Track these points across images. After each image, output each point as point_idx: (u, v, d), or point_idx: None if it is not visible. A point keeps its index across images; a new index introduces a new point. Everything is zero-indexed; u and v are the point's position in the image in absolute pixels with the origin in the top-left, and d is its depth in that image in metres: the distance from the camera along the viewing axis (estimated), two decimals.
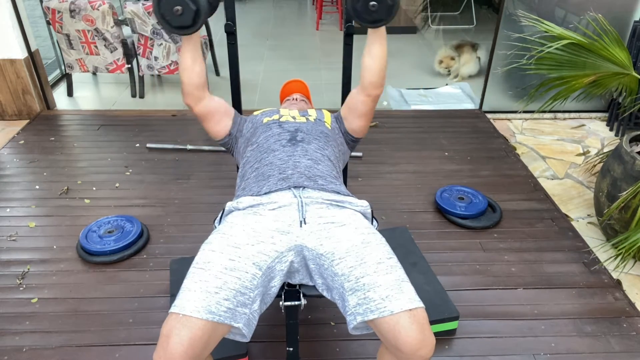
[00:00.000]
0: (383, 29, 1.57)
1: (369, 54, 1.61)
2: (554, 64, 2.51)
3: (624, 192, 2.08)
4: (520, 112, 3.69)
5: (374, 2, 1.43)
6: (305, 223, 1.34)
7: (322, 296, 1.40)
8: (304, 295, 1.44)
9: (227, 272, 1.22)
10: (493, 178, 2.91)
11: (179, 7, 1.36)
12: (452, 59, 4.40)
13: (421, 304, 1.22)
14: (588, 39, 2.41)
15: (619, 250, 1.97)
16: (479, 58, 4.44)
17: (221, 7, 1.80)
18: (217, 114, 1.70)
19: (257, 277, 1.26)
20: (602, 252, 2.33)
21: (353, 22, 1.86)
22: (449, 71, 4.46)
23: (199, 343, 1.14)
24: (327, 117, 1.78)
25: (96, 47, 3.72)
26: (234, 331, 1.25)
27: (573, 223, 2.56)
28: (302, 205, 1.36)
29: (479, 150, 3.20)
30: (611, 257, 2.07)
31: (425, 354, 1.17)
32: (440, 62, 4.47)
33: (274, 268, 1.31)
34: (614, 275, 2.21)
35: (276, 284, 1.33)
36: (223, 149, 3.09)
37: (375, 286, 1.22)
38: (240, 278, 1.23)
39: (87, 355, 1.81)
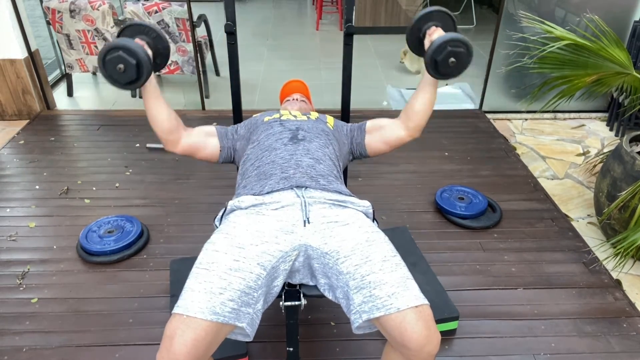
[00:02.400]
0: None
1: (422, 100, 1.65)
2: (556, 63, 2.51)
3: (624, 192, 2.08)
4: (522, 112, 3.69)
5: (454, 60, 1.48)
6: (309, 222, 1.34)
7: (322, 296, 1.40)
8: (304, 295, 1.44)
9: (232, 273, 1.22)
10: (493, 178, 2.91)
11: (120, 65, 1.42)
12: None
13: (426, 301, 1.22)
14: (587, 42, 2.41)
15: (617, 249, 1.97)
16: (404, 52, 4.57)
17: (222, 7, 1.80)
18: (200, 142, 1.69)
19: (262, 277, 1.26)
20: (602, 251, 2.33)
21: (353, 22, 1.86)
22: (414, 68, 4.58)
23: (203, 344, 1.14)
24: (330, 119, 1.78)
25: (96, 47, 3.72)
26: (237, 331, 1.25)
27: (573, 223, 2.56)
28: (305, 205, 1.36)
29: (479, 150, 3.20)
30: (610, 257, 2.07)
31: (431, 350, 1.18)
32: (405, 52, 4.58)
33: (277, 268, 1.31)
34: (614, 275, 2.21)
35: (279, 283, 1.34)
36: None
37: (381, 284, 1.22)
38: (244, 279, 1.23)
39: (87, 355, 1.81)
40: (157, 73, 3.88)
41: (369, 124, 1.77)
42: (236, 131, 1.75)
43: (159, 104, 1.61)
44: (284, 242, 1.31)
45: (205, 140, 1.70)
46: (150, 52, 1.55)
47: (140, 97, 4.08)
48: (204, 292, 1.18)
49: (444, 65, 1.50)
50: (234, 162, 1.78)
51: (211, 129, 1.73)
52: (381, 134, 1.74)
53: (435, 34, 1.58)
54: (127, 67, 1.43)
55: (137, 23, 1.60)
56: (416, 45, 1.70)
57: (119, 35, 1.59)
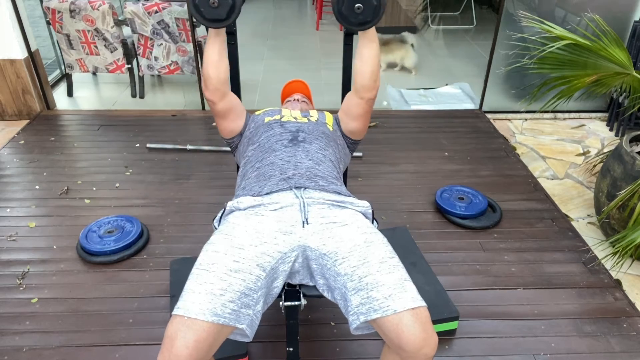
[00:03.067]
0: (372, 31, 1.56)
1: (360, 57, 1.61)
2: (556, 63, 2.51)
3: (623, 191, 2.08)
4: (521, 112, 3.70)
5: (359, 5, 1.41)
6: (307, 223, 1.34)
7: (322, 296, 1.40)
8: (304, 296, 1.44)
9: (232, 274, 1.22)
10: (493, 178, 2.91)
11: (215, 0, 1.37)
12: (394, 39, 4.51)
13: (423, 303, 1.22)
14: (588, 40, 2.41)
15: (616, 248, 1.97)
16: (412, 45, 4.53)
17: None
18: (235, 112, 1.70)
19: (262, 278, 1.26)
20: (600, 250, 2.33)
21: None
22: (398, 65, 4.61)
23: (204, 345, 1.14)
24: (329, 118, 1.78)
25: (96, 47, 3.72)
26: (237, 331, 1.25)
27: (573, 223, 2.56)
28: (304, 206, 1.36)
29: (479, 150, 3.20)
30: (608, 255, 2.07)
31: (428, 352, 1.17)
32: (385, 44, 4.54)
33: (277, 269, 1.31)
34: (614, 275, 2.21)
35: (278, 284, 1.34)
36: (223, 149, 3.12)
37: (379, 285, 1.22)
38: (244, 280, 1.23)
39: (87, 355, 1.81)
40: (156, 72, 3.87)
41: (339, 112, 1.77)
42: (249, 124, 1.76)
43: (224, 51, 1.58)
44: (282, 243, 1.31)
45: (237, 115, 1.71)
46: None
47: (141, 97, 4.09)
48: (205, 293, 1.18)
49: (352, 15, 1.44)
50: (231, 149, 1.79)
51: (243, 109, 1.74)
52: (346, 113, 1.73)
53: None
54: (221, 4, 1.38)
55: None
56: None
57: None
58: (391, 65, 4.64)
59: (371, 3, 1.43)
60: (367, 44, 1.58)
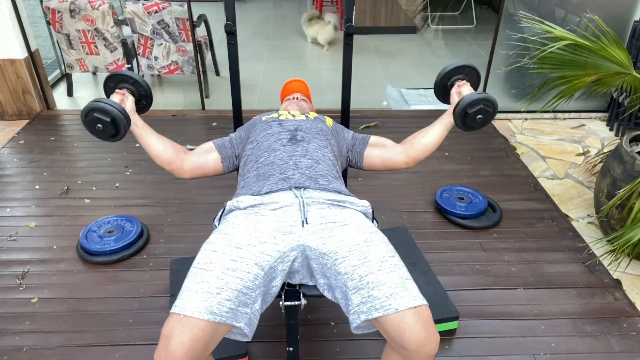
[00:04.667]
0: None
1: (432, 138, 1.70)
2: (556, 63, 2.51)
3: (622, 190, 2.08)
4: (522, 112, 3.70)
5: (481, 117, 1.60)
6: (307, 223, 1.34)
7: (322, 296, 1.40)
8: (304, 295, 1.44)
9: (229, 273, 1.22)
10: (493, 178, 2.91)
11: (99, 125, 1.55)
12: (318, 17, 5.19)
13: (425, 302, 1.22)
14: (587, 40, 2.41)
15: (613, 246, 1.97)
16: (330, 22, 5.06)
17: (222, 7, 1.80)
18: (201, 161, 1.71)
19: (259, 277, 1.26)
20: (598, 248, 2.33)
21: (353, 22, 1.86)
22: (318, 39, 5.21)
23: (200, 343, 1.14)
24: (329, 119, 1.78)
25: (96, 47, 3.72)
26: (235, 331, 1.25)
27: (573, 223, 2.56)
28: (303, 205, 1.36)
29: (479, 150, 3.20)
30: (606, 254, 2.07)
31: (430, 350, 1.17)
32: (311, 19, 5.16)
33: (276, 268, 1.31)
34: (614, 274, 2.21)
35: (277, 283, 1.33)
36: None
37: (380, 284, 1.22)
38: (242, 278, 1.23)
39: (87, 355, 1.81)
40: (156, 72, 3.87)
41: (374, 138, 1.80)
42: (232, 138, 1.75)
43: (151, 140, 1.68)
44: (282, 242, 1.31)
45: (205, 158, 1.72)
46: (131, 100, 1.69)
47: None
48: (201, 292, 1.18)
49: (472, 119, 1.60)
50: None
51: (209, 145, 1.75)
52: (381, 152, 1.76)
53: (464, 88, 1.69)
54: (104, 126, 1.55)
55: (114, 74, 1.73)
56: (441, 90, 1.82)
57: (104, 86, 1.75)
58: (312, 40, 5.34)
59: (487, 120, 1.62)
60: (445, 133, 1.72)
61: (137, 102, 1.74)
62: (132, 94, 1.72)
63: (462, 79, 1.75)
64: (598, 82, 2.47)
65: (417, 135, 1.73)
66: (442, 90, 1.81)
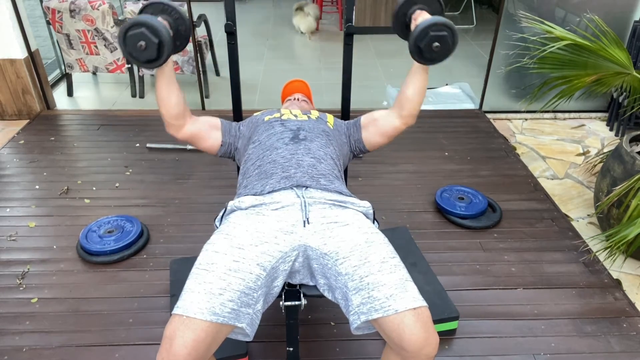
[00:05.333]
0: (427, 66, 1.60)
1: (413, 87, 1.63)
2: (556, 63, 2.51)
3: (618, 187, 2.08)
4: (522, 112, 3.70)
5: (438, 44, 1.45)
6: (308, 223, 1.34)
7: (322, 296, 1.40)
8: (304, 295, 1.44)
9: (231, 274, 1.22)
10: (493, 178, 2.91)
11: (142, 43, 1.39)
12: (301, 9, 5.57)
13: (425, 303, 1.22)
14: (587, 42, 2.41)
15: (609, 243, 1.97)
16: (309, 14, 5.48)
17: (222, 7, 1.80)
18: (202, 132, 1.69)
19: (261, 277, 1.26)
20: (595, 244, 2.32)
21: (353, 22, 1.86)
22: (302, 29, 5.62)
23: (203, 344, 1.14)
24: (330, 118, 1.78)
25: (96, 47, 3.72)
26: (237, 331, 1.25)
27: (573, 223, 2.56)
28: (305, 205, 1.36)
29: (479, 150, 3.20)
30: (601, 250, 2.07)
31: (430, 352, 1.17)
32: (299, 8, 5.51)
33: (277, 268, 1.31)
34: (614, 274, 2.21)
35: (279, 283, 1.34)
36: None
37: (380, 285, 1.22)
38: (244, 279, 1.23)
39: (87, 355, 1.81)
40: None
41: (364, 119, 1.76)
42: (239, 129, 1.75)
43: (172, 88, 1.59)
44: (283, 242, 1.31)
45: (208, 132, 1.70)
46: (171, 33, 1.51)
47: (141, 96, 4.08)
48: (204, 292, 1.18)
49: (429, 51, 1.47)
50: (232, 159, 1.77)
51: (216, 121, 1.73)
52: (376, 127, 1.73)
53: (420, 18, 1.54)
54: (148, 45, 1.40)
55: (159, 1, 1.55)
56: (404, 32, 1.67)
57: (141, 12, 1.55)
58: (297, 29, 5.73)
59: (447, 44, 1.47)
60: (423, 77, 1.63)
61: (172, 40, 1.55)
62: (171, 28, 1.54)
63: (418, 9, 1.60)
64: (598, 82, 2.47)
65: (401, 91, 1.67)
66: (403, 28, 1.65)
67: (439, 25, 1.43)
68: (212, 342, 1.17)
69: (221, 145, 1.71)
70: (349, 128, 1.77)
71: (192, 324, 1.14)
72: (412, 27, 1.56)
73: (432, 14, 1.58)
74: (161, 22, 1.44)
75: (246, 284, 1.23)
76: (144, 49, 1.40)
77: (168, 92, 1.58)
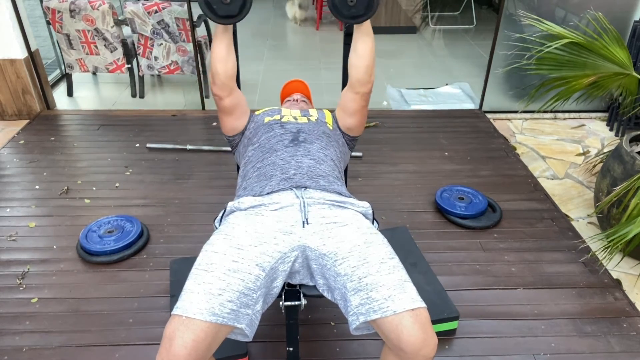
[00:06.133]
0: (367, 25, 1.55)
1: (354, 51, 1.61)
2: (554, 64, 2.51)
3: (618, 187, 2.08)
4: (520, 112, 3.70)
5: None
6: (307, 223, 1.34)
7: (322, 296, 1.40)
8: (304, 295, 1.44)
9: (231, 274, 1.22)
10: (493, 178, 2.91)
11: None
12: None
13: (423, 304, 1.22)
14: (588, 38, 2.41)
15: (607, 242, 1.97)
16: (295, 2, 5.95)
17: None
18: (240, 109, 1.69)
19: (261, 278, 1.26)
20: (593, 242, 2.33)
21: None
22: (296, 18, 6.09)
23: (202, 345, 1.14)
24: (329, 117, 1.78)
25: (96, 47, 3.72)
26: (236, 331, 1.25)
27: (573, 223, 2.56)
28: (304, 206, 1.36)
29: (479, 150, 3.20)
30: (600, 249, 2.07)
31: (428, 353, 1.17)
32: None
33: (277, 269, 1.31)
34: (615, 274, 2.21)
35: (278, 284, 1.33)
36: (223, 149, 3.12)
37: (378, 286, 1.22)
38: (243, 279, 1.23)
39: (87, 355, 1.81)
40: (156, 72, 3.87)
41: (337, 109, 1.77)
42: (249, 128, 1.74)
43: (232, 49, 1.58)
44: (282, 242, 1.31)
45: (242, 112, 1.70)
46: None
47: (141, 96, 4.08)
48: (203, 293, 1.18)
49: (345, 7, 1.42)
50: (232, 148, 1.78)
51: (247, 107, 1.73)
52: (342, 109, 1.72)
53: None
54: (233, 0, 1.37)
55: None
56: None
57: None
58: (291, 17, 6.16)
59: None
60: (361, 38, 1.57)
61: None
62: None
63: None
64: (595, 85, 2.46)
65: (348, 60, 1.64)
66: None
67: None
68: (211, 342, 1.17)
69: (242, 132, 1.71)
70: (336, 121, 1.78)
71: (191, 325, 1.14)
72: None
73: None
74: None
75: (245, 284, 1.23)
76: (228, 3, 1.37)
77: (228, 50, 1.57)
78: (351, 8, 1.43)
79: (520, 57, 2.74)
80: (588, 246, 2.36)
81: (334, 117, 1.79)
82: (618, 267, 2.26)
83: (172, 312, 1.18)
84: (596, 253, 2.23)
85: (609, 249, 1.96)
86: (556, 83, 2.56)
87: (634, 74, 2.38)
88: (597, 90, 2.49)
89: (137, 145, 3.21)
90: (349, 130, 1.75)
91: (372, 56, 1.60)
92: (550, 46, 2.41)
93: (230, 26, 1.54)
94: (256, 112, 1.80)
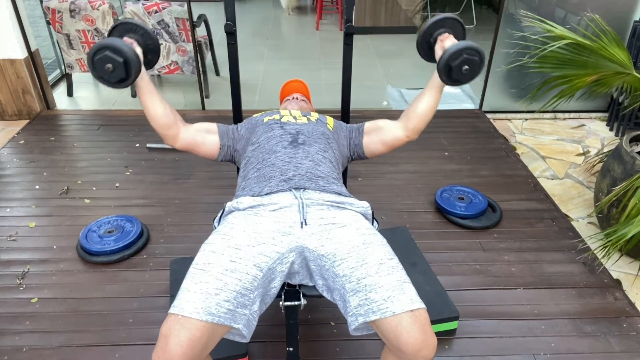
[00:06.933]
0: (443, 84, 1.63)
1: (426, 104, 1.66)
2: (557, 62, 2.51)
3: (618, 187, 2.08)
4: (522, 112, 3.70)
5: (467, 67, 1.50)
6: (306, 224, 1.34)
7: (322, 296, 1.40)
8: (304, 296, 1.44)
9: (228, 274, 1.22)
10: (493, 178, 2.91)
11: (109, 65, 1.43)
12: None
13: (422, 305, 1.22)
14: (588, 40, 2.41)
15: (606, 242, 1.97)
16: None
17: (222, 7, 1.80)
18: (199, 138, 1.68)
19: (258, 278, 1.26)
20: (593, 242, 2.32)
21: (353, 22, 1.86)
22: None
23: (198, 344, 1.14)
24: (330, 120, 1.78)
25: None
26: (234, 332, 1.25)
27: (573, 223, 2.56)
28: (302, 207, 1.36)
29: (479, 150, 3.20)
30: (598, 248, 2.07)
31: (427, 354, 1.17)
32: None
33: (274, 269, 1.31)
34: (614, 274, 2.21)
35: (276, 284, 1.33)
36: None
37: (377, 287, 1.22)
38: (240, 279, 1.23)
39: (87, 355, 1.81)
40: (156, 72, 3.88)
41: (367, 125, 1.76)
42: (237, 130, 1.74)
43: (154, 100, 1.60)
44: (280, 243, 1.31)
45: (204, 137, 1.69)
46: (139, 50, 1.57)
47: None
48: (200, 292, 1.18)
49: (457, 72, 1.52)
50: (233, 162, 1.76)
51: (212, 126, 1.72)
52: (379, 135, 1.73)
53: (447, 41, 1.60)
54: (115, 66, 1.43)
55: (123, 22, 1.60)
56: (425, 49, 1.73)
57: (108, 35, 1.60)
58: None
59: (475, 69, 1.52)
60: (437, 95, 1.66)
61: (144, 56, 1.63)
62: (139, 45, 1.60)
63: (445, 32, 1.65)
64: (598, 82, 2.47)
65: (412, 105, 1.69)
66: (426, 48, 1.72)
67: (473, 50, 1.49)
68: (207, 341, 1.17)
69: (220, 148, 1.69)
70: (351, 131, 1.77)
71: (187, 323, 1.14)
72: (438, 48, 1.62)
73: (456, 38, 1.65)
74: (124, 41, 1.49)
75: (242, 284, 1.23)
76: (112, 70, 1.44)
77: (152, 104, 1.60)
78: (460, 75, 1.53)
79: (522, 55, 2.74)
80: (587, 245, 2.36)
81: (352, 129, 1.78)
82: (618, 267, 2.26)
83: (169, 311, 1.18)
84: (595, 252, 2.23)
85: (607, 248, 1.96)
86: (559, 81, 2.56)
87: (635, 73, 2.38)
88: (601, 87, 2.49)
89: (137, 145, 3.21)
90: (369, 151, 1.75)
91: (434, 111, 1.69)
92: (552, 46, 2.41)
93: (141, 80, 1.57)
94: (254, 116, 1.79)
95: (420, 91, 1.69)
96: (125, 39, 1.56)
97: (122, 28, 1.60)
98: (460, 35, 1.68)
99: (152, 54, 1.66)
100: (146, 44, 1.62)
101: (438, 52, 1.61)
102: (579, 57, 2.44)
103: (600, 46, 2.37)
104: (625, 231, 1.89)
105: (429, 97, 1.66)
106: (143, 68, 1.57)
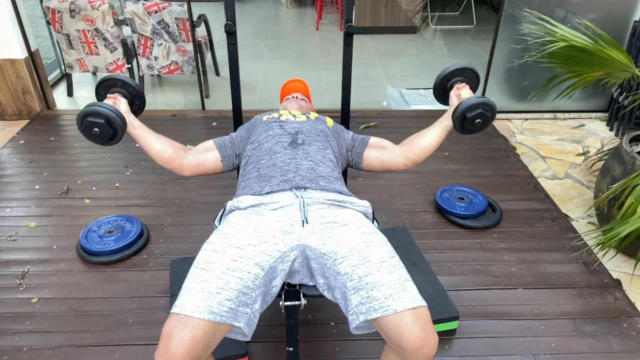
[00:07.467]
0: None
1: (430, 141, 1.72)
2: (565, 58, 2.51)
3: (616, 184, 2.08)
4: (522, 112, 3.69)
5: (480, 121, 1.61)
6: (307, 223, 1.34)
7: (322, 296, 1.40)
8: (304, 295, 1.44)
9: (229, 273, 1.22)
10: (493, 178, 2.91)
11: (95, 129, 1.55)
12: None
13: (424, 303, 1.22)
14: (587, 42, 2.41)
15: (603, 239, 1.97)
16: None
17: (222, 7, 1.80)
18: (201, 160, 1.72)
19: (260, 277, 1.26)
20: (590, 239, 2.32)
21: (353, 22, 1.86)
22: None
23: (200, 343, 1.14)
24: (329, 120, 1.78)
25: (96, 47, 3.72)
26: (235, 330, 1.25)
27: (573, 223, 2.56)
28: (303, 205, 1.36)
29: (479, 150, 3.20)
30: (594, 245, 2.07)
31: (429, 352, 1.17)
32: None
33: (276, 268, 1.31)
34: (614, 274, 2.21)
35: (277, 283, 1.34)
36: None
37: (379, 285, 1.22)
38: (242, 278, 1.23)
39: (87, 355, 1.81)
40: (156, 72, 3.87)
41: (373, 139, 1.80)
42: (233, 137, 1.76)
43: (150, 141, 1.69)
44: (282, 242, 1.31)
45: (206, 156, 1.73)
46: (124, 101, 1.70)
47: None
48: (202, 291, 1.19)
49: (471, 123, 1.62)
50: (239, 168, 1.77)
51: (209, 143, 1.76)
52: (380, 154, 1.76)
53: (464, 91, 1.71)
54: (100, 128, 1.55)
55: (102, 80, 1.72)
56: (441, 92, 1.82)
57: (96, 95, 1.75)
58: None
59: (485, 124, 1.64)
60: (443, 136, 1.73)
61: (130, 104, 1.75)
62: (124, 96, 1.73)
63: (462, 82, 1.76)
64: (609, 75, 2.47)
65: (417, 137, 1.74)
66: (442, 91, 1.82)
67: (488, 106, 1.60)
68: (209, 341, 1.17)
69: (222, 160, 1.73)
70: (354, 139, 1.78)
71: (189, 323, 1.14)
72: (453, 95, 1.72)
73: (471, 88, 1.77)
74: (104, 102, 1.60)
75: (244, 283, 1.23)
76: (99, 133, 1.56)
77: (150, 146, 1.69)
78: (472, 125, 1.63)
79: (524, 55, 2.73)
80: (584, 241, 2.36)
81: (356, 138, 1.79)
82: (618, 267, 2.26)
83: (171, 311, 1.18)
84: (592, 248, 2.23)
85: (603, 244, 1.96)
86: (568, 75, 2.56)
87: (637, 72, 2.38)
88: (611, 79, 2.49)
89: (137, 145, 3.20)
90: (366, 164, 1.78)
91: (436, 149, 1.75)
92: (553, 46, 2.41)
93: (132, 128, 1.68)
94: (255, 117, 1.79)
95: (425, 130, 1.76)
96: (108, 96, 1.69)
97: (104, 86, 1.73)
98: (474, 86, 1.78)
99: (138, 99, 1.77)
100: (129, 92, 1.74)
101: (454, 100, 1.71)
102: (583, 55, 2.44)
103: (598, 49, 2.37)
104: (621, 229, 1.89)
105: (435, 136, 1.72)
106: (131, 117, 1.69)
